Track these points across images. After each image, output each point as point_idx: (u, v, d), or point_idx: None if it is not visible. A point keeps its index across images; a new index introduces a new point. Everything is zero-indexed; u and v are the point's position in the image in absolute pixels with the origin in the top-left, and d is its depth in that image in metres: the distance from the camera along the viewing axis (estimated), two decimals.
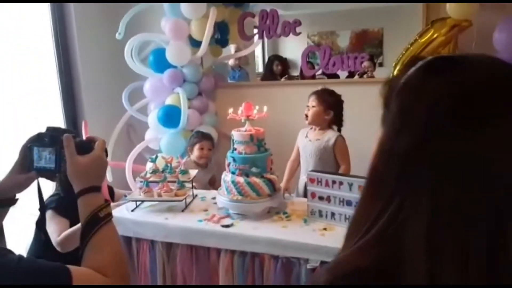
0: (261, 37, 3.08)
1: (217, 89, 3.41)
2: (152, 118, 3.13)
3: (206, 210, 2.09)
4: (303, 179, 2.37)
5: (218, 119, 3.31)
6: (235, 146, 1.98)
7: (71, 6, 3.13)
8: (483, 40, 2.47)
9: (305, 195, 2.32)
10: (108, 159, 3.11)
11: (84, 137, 3.27)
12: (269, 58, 4.29)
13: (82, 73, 3.24)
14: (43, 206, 1.18)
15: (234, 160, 1.96)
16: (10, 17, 2.92)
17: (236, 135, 1.97)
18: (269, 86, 3.44)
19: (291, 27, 3.00)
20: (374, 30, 4.34)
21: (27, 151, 0.95)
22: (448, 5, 2.42)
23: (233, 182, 1.94)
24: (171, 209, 2.13)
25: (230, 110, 2.04)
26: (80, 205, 0.89)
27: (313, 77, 3.27)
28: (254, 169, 1.93)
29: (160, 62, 3.05)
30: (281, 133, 2.78)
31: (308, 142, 2.38)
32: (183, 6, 2.82)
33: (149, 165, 2.42)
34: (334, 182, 1.82)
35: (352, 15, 4.16)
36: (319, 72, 3.11)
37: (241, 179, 1.93)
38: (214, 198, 2.25)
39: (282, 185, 2.29)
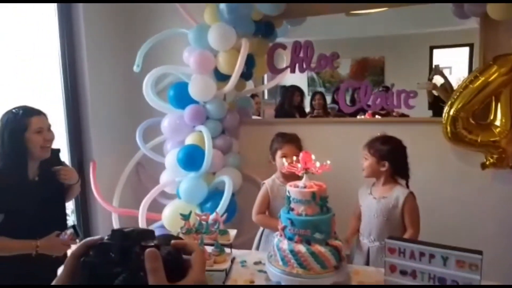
0: (293, 70, 2.79)
1: (240, 126, 3.09)
2: (170, 158, 2.77)
3: (252, 282, 1.72)
4: (365, 243, 2.03)
5: (242, 159, 2.97)
6: (293, 205, 1.63)
7: (82, 33, 2.81)
8: None
9: (367, 263, 1.97)
10: (115, 204, 2.68)
11: (95, 190, 2.79)
12: (287, 89, 3.99)
13: (91, 107, 2.90)
14: None
15: (292, 223, 1.61)
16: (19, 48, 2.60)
17: (294, 193, 1.62)
18: (299, 124, 3.12)
19: (328, 60, 2.72)
20: (375, 58, 4.22)
21: (76, 267, 0.56)
22: None
23: (291, 251, 1.58)
24: (209, 279, 1.75)
25: (285, 162, 1.71)
26: None
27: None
28: (317, 235, 1.58)
29: (181, 97, 2.73)
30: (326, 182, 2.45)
31: (372, 200, 2.04)
32: (211, 37, 2.52)
33: (163, 214, 2.06)
34: (422, 254, 1.48)
35: (352, 43, 4.05)
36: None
37: (302, 248, 1.57)
38: (257, 263, 1.89)
39: (346, 237, 2.05)
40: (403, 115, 2.92)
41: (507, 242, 2.47)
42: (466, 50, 3.30)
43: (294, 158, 1.76)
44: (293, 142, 2.29)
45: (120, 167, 3.04)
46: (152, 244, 0.54)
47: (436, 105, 2.89)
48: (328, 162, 1.66)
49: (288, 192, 1.65)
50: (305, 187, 1.63)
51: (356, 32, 3.63)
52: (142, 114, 3.02)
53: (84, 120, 2.92)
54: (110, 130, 3.06)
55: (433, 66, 3.39)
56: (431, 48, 3.63)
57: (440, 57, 3.50)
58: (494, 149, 2.37)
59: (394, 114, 3.07)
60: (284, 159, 1.77)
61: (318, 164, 1.64)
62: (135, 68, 2.67)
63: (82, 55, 2.84)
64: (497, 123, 2.35)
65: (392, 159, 2.04)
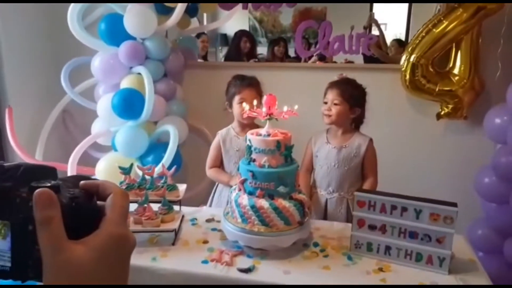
0: (246, 6, 2.49)
1: (184, 70, 2.76)
2: (103, 105, 2.41)
3: (206, 242, 1.52)
4: (322, 195, 1.89)
5: (186, 107, 2.68)
6: (254, 156, 1.43)
7: None
8: None
9: (325, 216, 1.85)
10: (39, 157, 2.29)
11: (13, 141, 2.37)
12: (235, 34, 3.70)
13: (4, 43, 2.40)
14: None
15: (253, 175, 1.41)
16: None
17: (256, 142, 1.41)
18: (251, 68, 2.86)
19: None
20: (318, 9, 4.08)
21: None
22: None
23: (252, 207, 1.39)
24: (155, 241, 1.53)
25: (245, 106, 1.47)
26: None
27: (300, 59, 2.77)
28: (282, 189, 1.40)
29: (114, 32, 2.33)
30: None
31: (332, 149, 1.86)
32: None
33: (97, 168, 1.78)
34: (394, 207, 1.36)
35: None
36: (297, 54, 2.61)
37: (265, 203, 1.39)
38: (209, 221, 1.70)
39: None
40: (349, 62, 2.78)
41: (455, 191, 2.49)
42: (405, 6, 3.24)
43: (255, 102, 1.52)
44: (254, 86, 1.95)
45: (43, 115, 2.62)
46: (48, 184, 0.38)
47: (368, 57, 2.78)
48: (296, 107, 1.45)
49: (249, 141, 1.43)
50: (268, 135, 1.42)
51: None
52: (68, 52, 2.57)
53: None
54: (30, 71, 2.59)
55: (369, 15, 3.28)
56: (371, 2, 3.53)
57: (380, 11, 3.41)
58: (450, 99, 2.32)
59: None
60: (244, 103, 1.53)
61: (285, 108, 1.42)
62: None
63: None
64: (456, 71, 2.29)
65: (363, 105, 1.88)
